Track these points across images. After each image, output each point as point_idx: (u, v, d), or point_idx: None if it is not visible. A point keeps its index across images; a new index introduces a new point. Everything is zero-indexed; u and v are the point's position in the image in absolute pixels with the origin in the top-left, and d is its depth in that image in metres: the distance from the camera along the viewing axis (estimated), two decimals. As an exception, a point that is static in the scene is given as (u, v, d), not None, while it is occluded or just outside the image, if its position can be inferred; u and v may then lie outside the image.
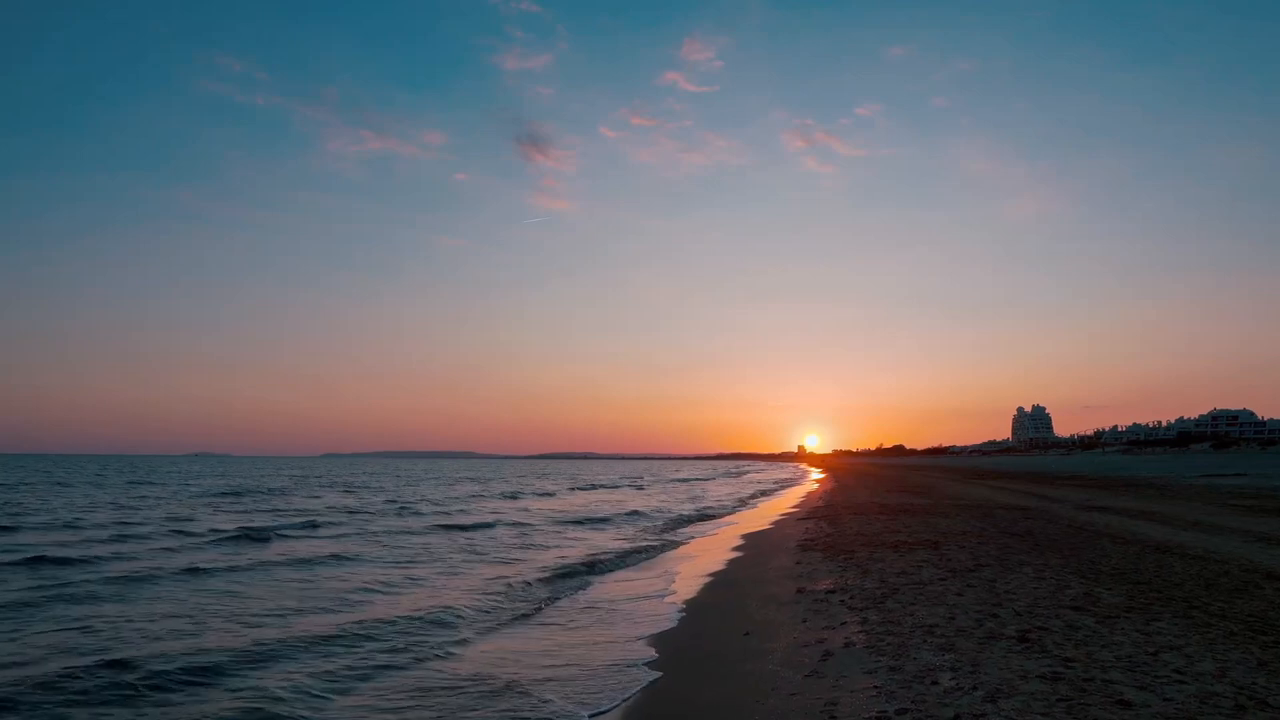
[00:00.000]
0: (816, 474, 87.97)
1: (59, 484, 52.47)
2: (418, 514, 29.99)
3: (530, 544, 20.16)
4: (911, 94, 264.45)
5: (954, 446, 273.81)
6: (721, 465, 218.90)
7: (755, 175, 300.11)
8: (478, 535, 22.53)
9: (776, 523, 23.99)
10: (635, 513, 30.81)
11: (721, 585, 12.74)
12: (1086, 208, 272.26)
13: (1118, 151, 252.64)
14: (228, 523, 25.08)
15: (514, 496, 43.44)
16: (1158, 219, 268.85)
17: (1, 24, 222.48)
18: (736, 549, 17.75)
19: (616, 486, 58.93)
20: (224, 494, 42.68)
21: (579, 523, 26.65)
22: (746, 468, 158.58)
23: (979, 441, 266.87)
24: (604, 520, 27.66)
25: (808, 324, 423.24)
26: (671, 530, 24.45)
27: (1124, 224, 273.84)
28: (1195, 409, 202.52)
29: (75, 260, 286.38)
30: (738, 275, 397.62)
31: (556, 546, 19.55)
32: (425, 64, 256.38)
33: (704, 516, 29.93)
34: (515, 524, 25.86)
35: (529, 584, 13.54)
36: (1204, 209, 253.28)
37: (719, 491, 51.70)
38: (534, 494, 46.55)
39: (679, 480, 75.50)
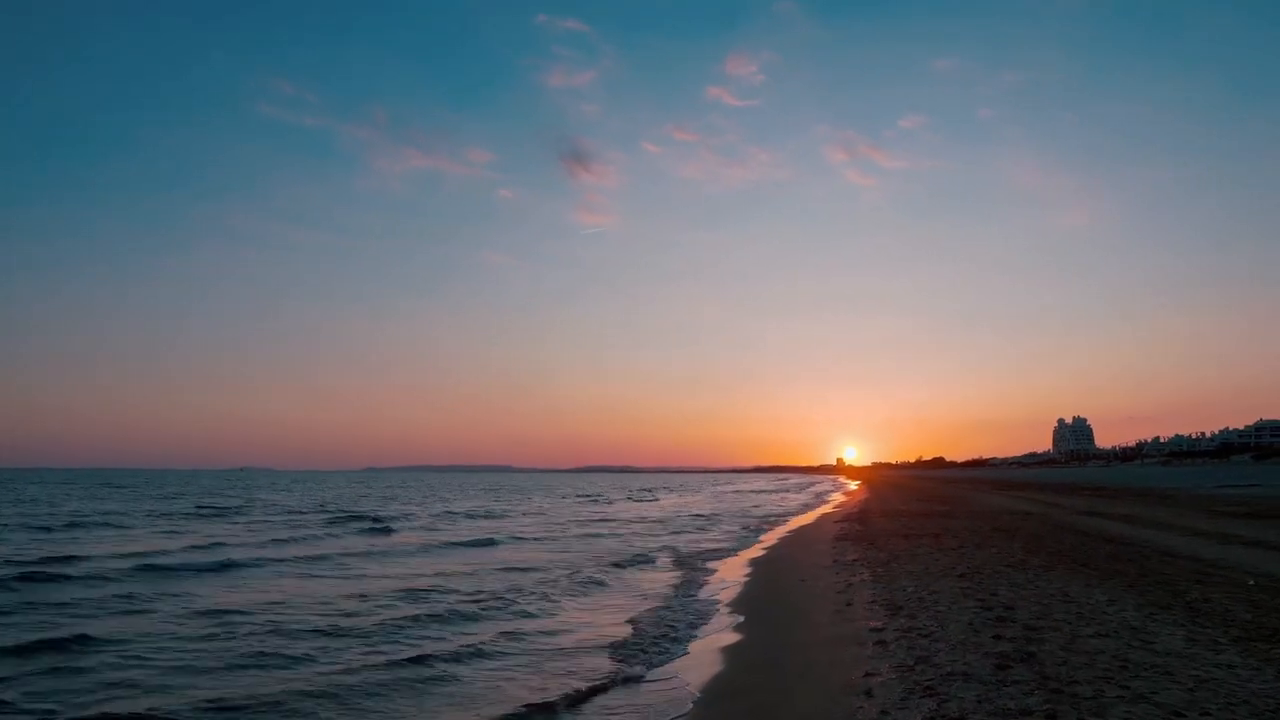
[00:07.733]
0: (852, 485, 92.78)
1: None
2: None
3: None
4: (957, 106, 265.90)
5: (994, 459, 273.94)
6: (765, 478, 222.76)
7: (797, 189, 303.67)
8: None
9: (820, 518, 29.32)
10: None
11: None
12: (1134, 218, 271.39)
13: (1166, 161, 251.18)
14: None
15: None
16: (1206, 229, 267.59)
17: (52, 44, 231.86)
18: (789, 538, 23.19)
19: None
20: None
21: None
22: (790, 480, 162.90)
23: (1019, 454, 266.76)
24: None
25: (848, 337, 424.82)
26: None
27: (1172, 234, 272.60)
28: (1242, 419, 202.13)
29: (118, 279, 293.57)
30: (778, 289, 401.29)
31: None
32: (471, 83, 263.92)
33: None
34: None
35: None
36: (1252, 219, 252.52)
37: (773, 500, 57.26)
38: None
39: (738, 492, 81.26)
